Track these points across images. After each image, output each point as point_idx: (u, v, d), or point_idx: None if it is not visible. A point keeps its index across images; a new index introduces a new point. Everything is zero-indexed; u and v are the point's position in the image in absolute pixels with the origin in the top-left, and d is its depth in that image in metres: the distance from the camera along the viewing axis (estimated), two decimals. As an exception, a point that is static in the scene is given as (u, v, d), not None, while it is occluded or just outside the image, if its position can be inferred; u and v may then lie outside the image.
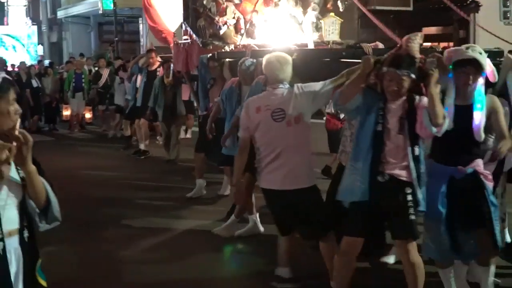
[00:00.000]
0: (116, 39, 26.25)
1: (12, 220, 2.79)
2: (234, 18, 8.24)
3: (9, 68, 20.52)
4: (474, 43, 24.07)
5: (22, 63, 19.49)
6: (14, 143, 2.63)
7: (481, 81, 4.30)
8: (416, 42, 4.37)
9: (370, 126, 4.34)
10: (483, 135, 4.31)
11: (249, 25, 7.90)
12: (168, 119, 10.84)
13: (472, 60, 4.23)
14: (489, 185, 4.43)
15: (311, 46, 7.66)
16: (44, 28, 35.12)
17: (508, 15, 23.26)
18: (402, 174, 4.28)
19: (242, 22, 8.19)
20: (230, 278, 5.69)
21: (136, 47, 28.88)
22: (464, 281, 4.79)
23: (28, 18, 35.50)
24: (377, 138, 4.30)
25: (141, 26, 26.76)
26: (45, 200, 2.85)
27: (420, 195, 4.27)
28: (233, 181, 5.25)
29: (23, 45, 31.78)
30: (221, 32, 8.17)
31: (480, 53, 4.24)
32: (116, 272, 5.69)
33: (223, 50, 7.78)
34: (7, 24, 35.11)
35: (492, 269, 4.61)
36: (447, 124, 4.16)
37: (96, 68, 17.48)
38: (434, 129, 4.14)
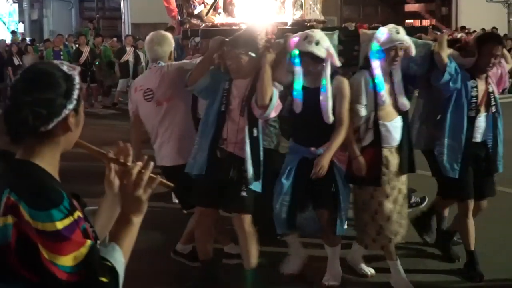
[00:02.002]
0: (97, 16, 25.99)
1: None
2: (212, -3, 8.24)
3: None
4: (457, 20, 24.26)
5: (2, 41, 19.32)
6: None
7: (326, 65, 4.42)
8: (259, 25, 4.59)
9: (216, 105, 4.44)
10: (331, 117, 4.41)
11: (229, 4, 7.87)
12: None
13: (307, 53, 4.37)
14: (341, 167, 4.58)
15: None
16: (25, 5, 34.62)
17: (491, -8, 23.36)
18: (241, 154, 4.38)
19: (221, 1, 8.18)
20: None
21: (118, 24, 28.62)
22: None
23: (9, -5, 35.00)
24: (220, 117, 4.41)
25: (122, 2, 26.46)
26: None
27: (253, 172, 4.37)
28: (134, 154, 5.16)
29: (4, 23, 31.35)
30: (196, 11, 8.16)
31: (317, 43, 4.34)
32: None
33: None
34: (-12, 2, 34.65)
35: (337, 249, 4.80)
36: (273, 106, 4.25)
37: (77, 45, 17.35)
38: (259, 110, 4.27)
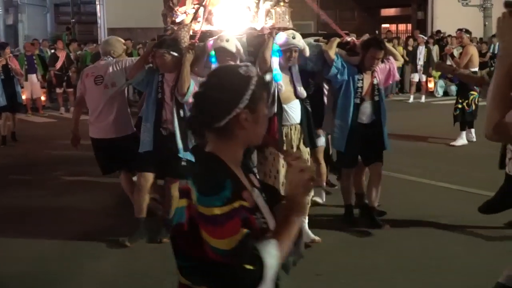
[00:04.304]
0: (73, 20, 25.80)
1: None
2: (193, 8, 8.49)
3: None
4: (432, 24, 24.48)
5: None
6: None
7: (237, 59, 5.49)
8: (183, 31, 5.91)
9: (154, 94, 5.69)
10: None
11: (208, 13, 8.15)
12: None
13: (221, 48, 5.52)
14: None
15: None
16: (0, 10, 34.31)
17: (466, -4, 23.55)
18: (175, 130, 5.58)
19: (200, 11, 8.43)
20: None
21: (94, 29, 28.46)
22: None
23: (-17, 0, 34.64)
24: (159, 103, 5.67)
25: (98, 7, 26.32)
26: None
27: (182, 145, 5.51)
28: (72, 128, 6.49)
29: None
30: (178, 20, 8.45)
31: (227, 41, 5.50)
32: None
33: None
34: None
35: None
36: (190, 93, 5.38)
37: (53, 51, 17.20)
38: (179, 96, 5.51)
